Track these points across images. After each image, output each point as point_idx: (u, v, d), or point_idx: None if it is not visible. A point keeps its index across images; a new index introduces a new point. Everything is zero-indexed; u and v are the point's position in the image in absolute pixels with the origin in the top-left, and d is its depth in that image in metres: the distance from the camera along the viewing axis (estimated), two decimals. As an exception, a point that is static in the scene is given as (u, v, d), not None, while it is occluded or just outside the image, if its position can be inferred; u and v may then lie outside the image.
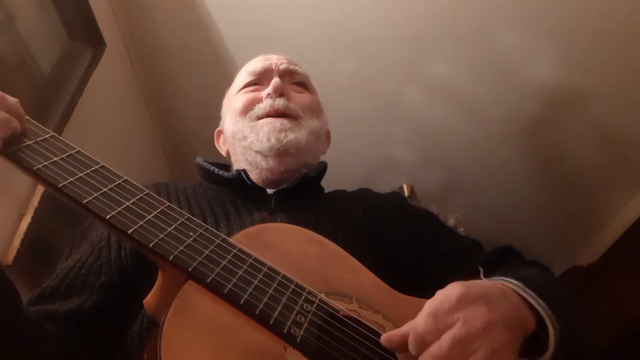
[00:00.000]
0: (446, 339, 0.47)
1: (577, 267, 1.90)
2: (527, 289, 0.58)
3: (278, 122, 0.84)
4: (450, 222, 1.69)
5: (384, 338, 0.53)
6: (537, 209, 1.82)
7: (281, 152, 0.83)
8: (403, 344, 0.51)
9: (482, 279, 0.65)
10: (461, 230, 1.64)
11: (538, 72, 1.49)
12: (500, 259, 0.78)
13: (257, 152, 0.84)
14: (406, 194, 1.79)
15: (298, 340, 0.50)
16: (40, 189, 1.07)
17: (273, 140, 0.82)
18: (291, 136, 0.83)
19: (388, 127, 1.71)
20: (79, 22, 1.27)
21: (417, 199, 1.77)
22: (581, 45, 1.41)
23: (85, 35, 1.29)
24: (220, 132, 0.99)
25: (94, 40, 1.30)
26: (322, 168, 0.91)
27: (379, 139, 1.75)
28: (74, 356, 0.62)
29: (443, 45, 1.48)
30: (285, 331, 0.50)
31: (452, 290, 0.52)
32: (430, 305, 0.51)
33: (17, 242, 1.00)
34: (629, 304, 1.62)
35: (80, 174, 0.53)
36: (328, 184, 0.95)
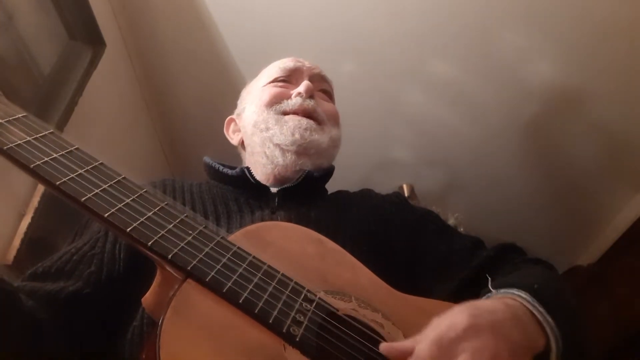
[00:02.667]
0: None
1: (577, 267, 1.90)
2: (537, 304, 0.57)
3: (305, 121, 0.85)
4: (450, 222, 1.68)
5: (383, 346, 0.52)
6: (537, 208, 1.82)
7: (301, 150, 0.83)
8: (400, 359, 0.50)
9: (489, 288, 0.64)
10: (461, 230, 1.64)
11: (538, 72, 1.49)
12: (502, 256, 0.78)
13: (277, 145, 0.84)
14: (406, 194, 1.79)
15: (297, 339, 0.50)
16: (41, 189, 1.07)
17: (297, 136, 0.83)
18: (315, 136, 0.84)
19: (388, 127, 1.71)
20: (79, 22, 1.27)
21: (417, 199, 1.77)
22: (582, 45, 1.41)
23: (85, 35, 1.29)
24: (232, 120, 1.00)
25: (94, 40, 1.30)
26: (328, 171, 0.92)
27: (379, 139, 1.75)
28: (46, 336, 0.61)
29: (444, 45, 1.48)
30: (284, 330, 0.50)
31: (459, 319, 0.50)
32: (435, 332, 0.50)
33: (17, 242, 1.00)
34: (629, 304, 1.62)
35: (79, 172, 0.52)
36: (329, 183, 0.95)
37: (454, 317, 0.51)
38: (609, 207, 1.74)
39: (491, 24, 1.42)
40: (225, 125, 1.01)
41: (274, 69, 0.96)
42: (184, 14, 1.50)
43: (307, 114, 0.87)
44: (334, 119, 0.93)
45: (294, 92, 0.90)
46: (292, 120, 0.85)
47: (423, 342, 0.49)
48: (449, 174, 1.81)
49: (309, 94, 0.89)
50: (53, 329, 0.62)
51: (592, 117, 1.55)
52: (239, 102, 1.01)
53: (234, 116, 1.00)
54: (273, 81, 0.94)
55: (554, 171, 1.72)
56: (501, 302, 0.57)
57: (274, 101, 0.89)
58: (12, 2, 1.08)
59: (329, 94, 0.98)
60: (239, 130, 0.96)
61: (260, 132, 0.87)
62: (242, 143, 0.95)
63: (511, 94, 1.55)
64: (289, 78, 0.94)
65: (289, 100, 0.88)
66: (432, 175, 1.81)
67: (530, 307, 0.57)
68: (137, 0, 1.48)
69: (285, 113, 0.87)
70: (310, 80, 0.93)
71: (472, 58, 1.49)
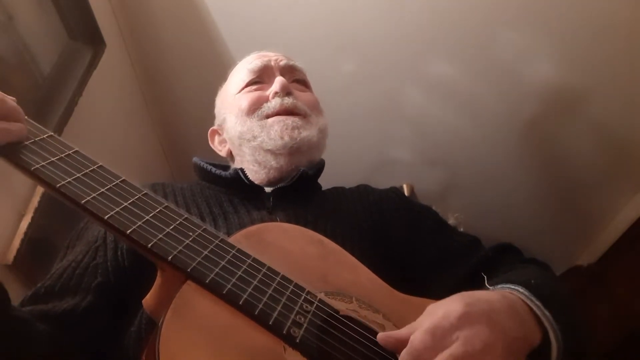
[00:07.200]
0: (443, 357, 0.46)
1: (577, 267, 1.90)
2: (534, 298, 0.57)
3: (289, 120, 0.83)
4: (450, 221, 1.68)
5: (381, 336, 0.53)
6: (537, 209, 1.82)
7: (294, 150, 0.82)
8: (397, 348, 0.51)
9: (486, 286, 0.64)
10: (461, 230, 1.64)
11: (538, 72, 1.49)
12: (499, 257, 0.78)
13: (268, 151, 0.83)
14: (406, 194, 1.79)
15: (297, 340, 0.50)
16: (41, 189, 1.07)
17: (287, 138, 0.81)
18: (304, 134, 0.83)
19: (388, 127, 1.71)
20: (79, 22, 1.27)
21: (417, 199, 1.77)
22: (581, 44, 1.40)
23: (85, 35, 1.29)
24: (215, 131, 0.97)
25: (94, 40, 1.30)
26: (320, 166, 0.91)
27: (379, 138, 1.75)
28: (67, 356, 0.61)
29: (443, 45, 1.48)
30: (284, 331, 0.50)
31: (454, 308, 0.50)
32: (430, 320, 0.50)
33: (17, 242, 0.99)
34: (629, 304, 1.62)
35: (78, 174, 0.52)
36: (327, 184, 0.95)
37: (449, 306, 0.51)
38: (609, 207, 1.74)
39: (491, 23, 1.42)
40: (209, 137, 0.98)
41: (243, 72, 0.93)
42: (184, 14, 1.50)
43: (289, 112, 0.84)
44: (316, 108, 0.91)
45: (270, 92, 0.87)
46: (277, 123, 0.83)
47: (417, 330, 0.49)
48: (449, 174, 1.81)
49: (286, 91, 0.86)
50: (74, 347, 0.62)
51: (592, 117, 1.55)
52: (216, 111, 0.98)
53: (215, 127, 0.97)
54: (246, 86, 0.91)
55: (554, 171, 1.72)
56: (499, 293, 0.57)
57: (253, 108, 0.86)
58: (12, 2, 1.08)
59: (304, 82, 0.95)
60: (225, 142, 0.93)
61: (247, 142, 0.85)
62: (230, 154, 0.93)
63: (511, 94, 1.55)
64: (261, 77, 0.91)
65: (268, 103, 0.86)
66: (432, 175, 1.81)
67: (528, 301, 0.57)
68: (137, 0, 1.48)
69: (267, 116, 0.85)
70: (282, 74, 0.90)
71: (473, 58, 1.49)
